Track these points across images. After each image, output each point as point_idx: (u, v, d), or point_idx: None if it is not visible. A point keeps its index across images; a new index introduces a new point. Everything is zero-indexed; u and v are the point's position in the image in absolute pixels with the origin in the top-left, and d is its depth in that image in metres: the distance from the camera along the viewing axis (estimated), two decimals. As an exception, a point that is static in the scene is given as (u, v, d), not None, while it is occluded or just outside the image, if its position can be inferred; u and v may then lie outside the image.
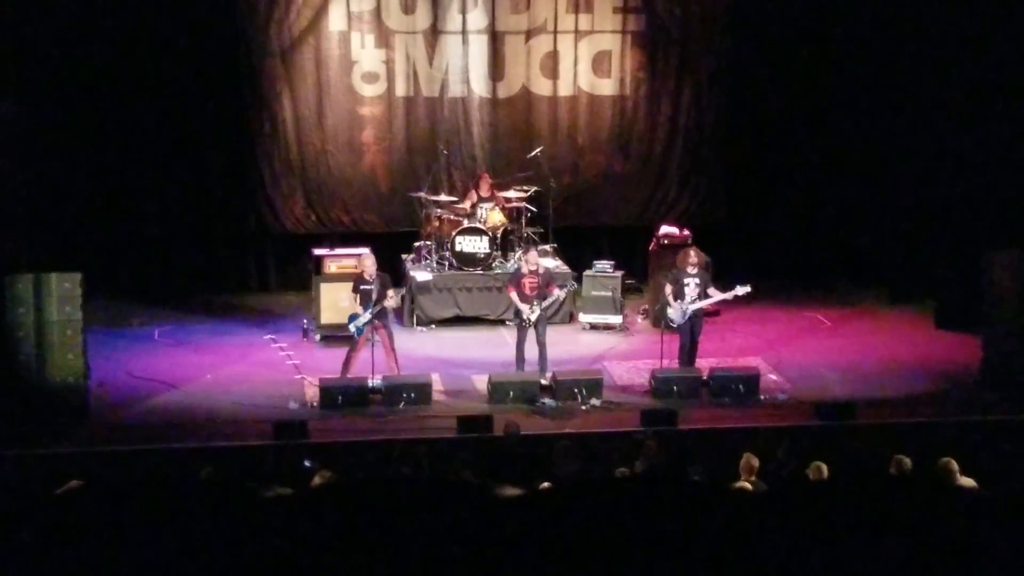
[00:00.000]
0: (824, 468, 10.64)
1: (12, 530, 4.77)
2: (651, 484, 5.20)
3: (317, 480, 9.93)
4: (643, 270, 19.13)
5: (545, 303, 15.42)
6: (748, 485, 10.30)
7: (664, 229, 18.55)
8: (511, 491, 4.94)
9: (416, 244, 18.74)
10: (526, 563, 4.62)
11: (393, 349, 15.28)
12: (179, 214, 19.26)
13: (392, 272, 17.34)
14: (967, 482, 10.12)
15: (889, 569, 4.58)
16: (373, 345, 14.89)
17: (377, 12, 19.25)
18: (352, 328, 15.10)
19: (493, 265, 18.03)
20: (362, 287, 15.16)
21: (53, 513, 4.96)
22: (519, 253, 17.96)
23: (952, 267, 17.58)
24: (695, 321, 15.52)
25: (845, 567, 4.54)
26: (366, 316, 14.96)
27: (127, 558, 4.57)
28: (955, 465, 10.37)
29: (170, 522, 4.65)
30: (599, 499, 4.87)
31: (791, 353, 16.81)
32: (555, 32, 19.64)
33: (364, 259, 15.55)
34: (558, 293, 15.75)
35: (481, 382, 15.40)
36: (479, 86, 19.68)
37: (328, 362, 15.86)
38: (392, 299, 15.28)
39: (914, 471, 10.53)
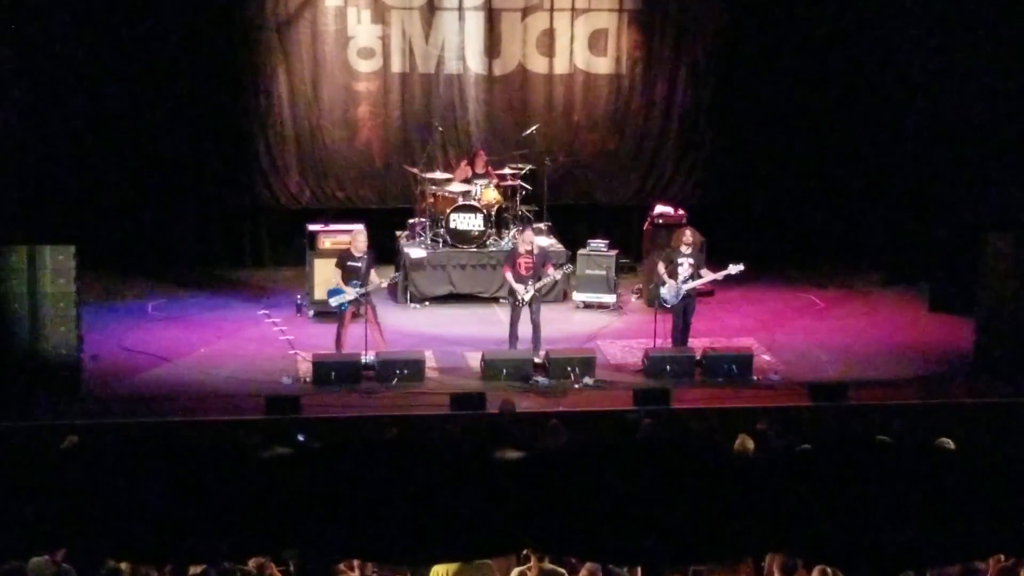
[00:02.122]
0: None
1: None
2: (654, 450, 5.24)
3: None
4: (637, 249, 19.11)
5: (539, 283, 15.40)
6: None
7: (659, 208, 18.53)
8: (511, 454, 4.95)
9: (410, 221, 18.69)
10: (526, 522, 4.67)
11: (378, 322, 15.27)
12: (174, 188, 19.19)
13: (386, 249, 17.37)
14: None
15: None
16: (367, 321, 14.91)
17: (374, -13, 19.22)
18: (334, 303, 15.11)
19: (487, 243, 18.00)
20: (349, 263, 15.15)
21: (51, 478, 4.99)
22: (513, 231, 17.93)
23: (947, 249, 17.58)
24: (688, 301, 15.53)
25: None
26: (351, 295, 14.95)
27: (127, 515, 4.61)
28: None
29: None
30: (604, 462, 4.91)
31: (784, 334, 16.81)
32: (552, 10, 19.58)
33: (357, 235, 15.54)
34: (552, 273, 15.70)
35: (474, 359, 15.39)
36: (475, 63, 19.62)
37: (321, 338, 15.85)
38: (380, 281, 15.30)
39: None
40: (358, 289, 14.95)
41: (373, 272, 15.20)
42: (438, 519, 4.97)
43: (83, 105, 18.42)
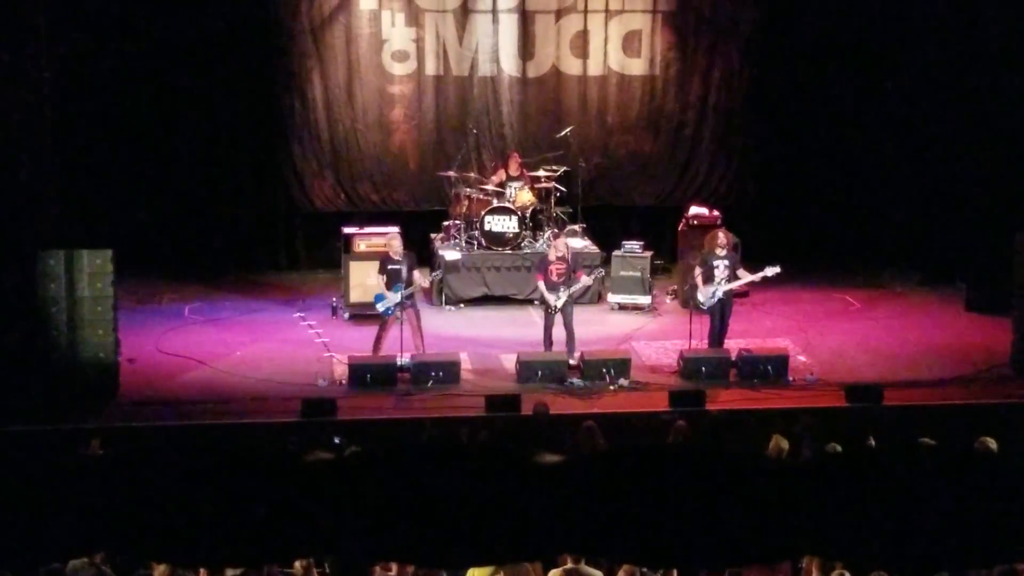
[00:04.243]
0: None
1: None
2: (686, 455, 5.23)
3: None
4: (672, 250, 19.09)
5: (571, 289, 15.37)
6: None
7: (694, 210, 18.50)
8: (550, 458, 4.95)
9: (445, 223, 18.73)
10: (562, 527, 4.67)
11: (420, 329, 15.28)
12: (209, 192, 19.31)
13: (421, 251, 17.38)
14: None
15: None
16: (402, 324, 14.92)
17: (407, -10, 19.27)
18: (380, 308, 15.13)
19: (522, 245, 18.01)
20: (390, 266, 15.17)
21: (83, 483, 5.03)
22: (548, 233, 17.93)
23: (983, 249, 17.47)
24: (725, 302, 15.48)
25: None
26: (396, 298, 14.96)
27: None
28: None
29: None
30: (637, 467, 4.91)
31: (820, 335, 16.74)
32: (585, 11, 19.60)
33: (392, 239, 15.57)
34: (584, 280, 15.68)
35: (509, 361, 15.38)
36: (509, 65, 19.64)
37: (356, 340, 15.89)
38: (423, 280, 15.34)
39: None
40: (402, 292, 14.97)
41: (416, 273, 15.22)
42: (474, 522, 4.97)
43: (119, 109, 18.53)
